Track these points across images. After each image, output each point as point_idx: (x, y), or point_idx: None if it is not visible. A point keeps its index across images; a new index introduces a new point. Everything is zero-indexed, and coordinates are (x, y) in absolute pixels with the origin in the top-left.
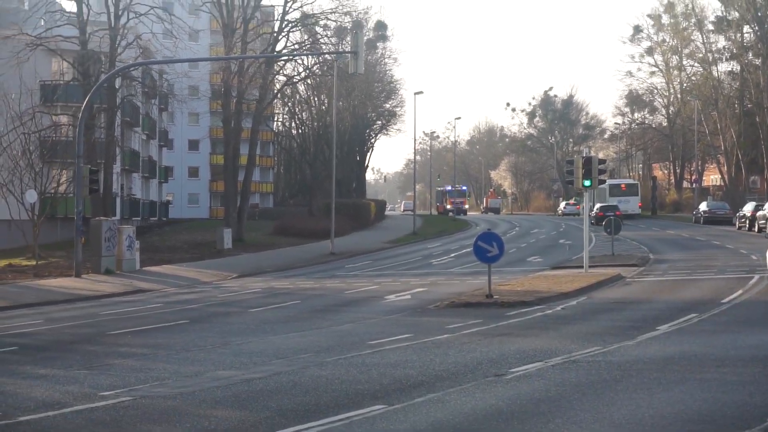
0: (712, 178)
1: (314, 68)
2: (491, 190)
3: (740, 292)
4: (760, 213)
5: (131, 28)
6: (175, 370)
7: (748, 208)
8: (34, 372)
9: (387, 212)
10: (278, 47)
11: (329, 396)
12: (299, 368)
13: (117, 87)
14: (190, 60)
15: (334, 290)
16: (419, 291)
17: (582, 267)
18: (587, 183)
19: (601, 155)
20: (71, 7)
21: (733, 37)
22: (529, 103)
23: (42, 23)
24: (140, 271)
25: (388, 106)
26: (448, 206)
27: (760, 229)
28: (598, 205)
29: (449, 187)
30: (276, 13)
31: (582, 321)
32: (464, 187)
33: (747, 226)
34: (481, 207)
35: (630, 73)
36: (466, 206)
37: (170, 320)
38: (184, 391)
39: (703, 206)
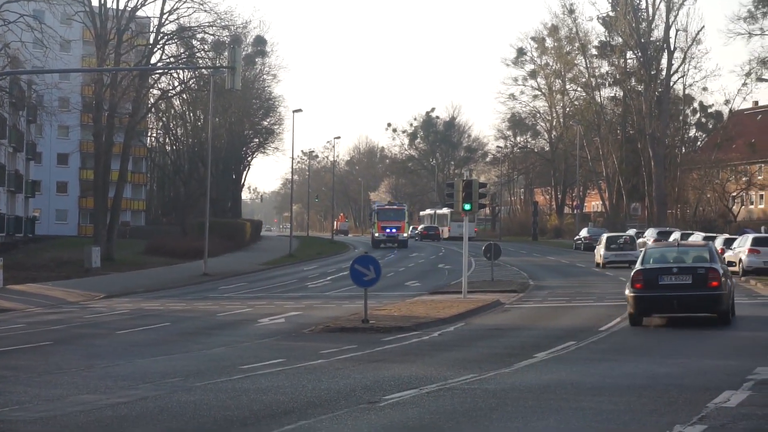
0: (594, 204)
1: (190, 83)
2: (341, 213)
3: (618, 320)
4: (640, 240)
5: None
6: (36, 394)
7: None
8: None
9: (263, 233)
10: (153, 60)
11: (196, 422)
12: (166, 393)
13: None
14: (60, 71)
15: (206, 312)
16: (294, 314)
17: (461, 292)
18: (467, 207)
19: (482, 179)
20: None
21: (616, 63)
22: (411, 124)
23: None
24: (3, 289)
25: (266, 123)
26: (376, 233)
27: None
28: (421, 226)
29: (378, 205)
30: (151, 25)
31: (459, 347)
32: (403, 205)
33: None
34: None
35: (513, 96)
36: (405, 234)
37: (33, 341)
38: (45, 415)
39: (584, 232)
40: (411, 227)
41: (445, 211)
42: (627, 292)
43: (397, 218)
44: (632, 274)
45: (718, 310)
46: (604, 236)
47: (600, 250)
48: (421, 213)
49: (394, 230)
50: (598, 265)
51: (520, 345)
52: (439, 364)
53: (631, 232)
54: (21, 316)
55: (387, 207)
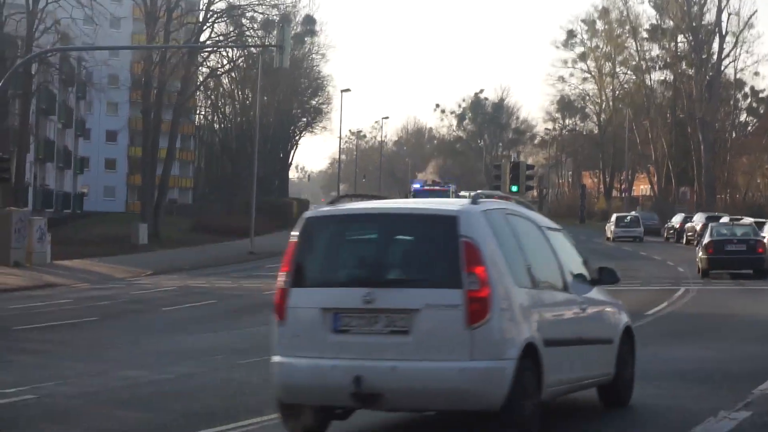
0: (642, 188)
1: (239, 61)
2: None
3: (665, 304)
4: (688, 225)
5: (50, 13)
6: (81, 369)
7: (676, 220)
8: None
9: None
10: (202, 38)
11: (238, 400)
12: (209, 370)
13: (33, 73)
14: (110, 48)
15: (252, 291)
16: None
17: None
18: (514, 188)
19: (530, 161)
20: None
21: (667, 46)
22: (459, 105)
23: None
24: (51, 264)
25: (314, 102)
26: None
27: (688, 241)
28: None
29: (418, 185)
30: (201, 3)
31: None
32: (450, 186)
33: (675, 237)
34: None
35: (562, 79)
36: None
37: (79, 317)
38: (88, 390)
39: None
40: None
41: (497, 194)
42: (701, 255)
43: None
44: (704, 243)
45: (763, 268)
46: (614, 216)
47: (611, 227)
48: (460, 194)
49: None
50: (608, 239)
51: None
52: None
53: (678, 217)
54: (68, 291)
55: (428, 188)
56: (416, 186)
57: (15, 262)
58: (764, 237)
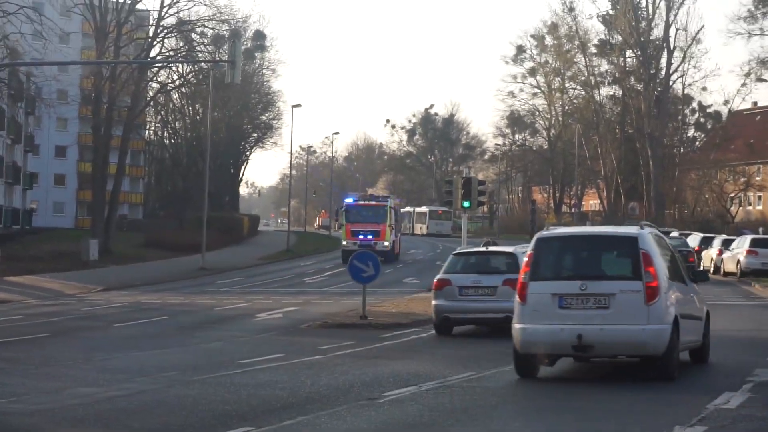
0: (591, 203)
1: (189, 76)
2: (323, 210)
3: None
4: None
5: None
6: (33, 386)
7: None
8: None
9: (261, 228)
10: (152, 53)
11: (195, 416)
12: (164, 386)
13: None
14: (59, 63)
15: (203, 307)
16: (291, 310)
17: None
18: (466, 204)
19: (480, 176)
20: None
21: (616, 62)
22: (410, 121)
23: None
24: (0, 281)
25: (264, 118)
26: (344, 241)
27: None
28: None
29: (351, 199)
30: (151, 18)
31: (457, 345)
32: (388, 200)
33: None
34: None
35: (512, 94)
36: (386, 242)
37: (30, 333)
38: (42, 407)
39: None
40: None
41: (423, 209)
42: None
43: (375, 219)
44: None
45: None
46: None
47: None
48: (401, 210)
49: (369, 237)
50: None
51: None
52: (437, 361)
53: None
54: (18, 307)
55: (361, 203)
56: (348, 201)
57: None
58: (694, 248)
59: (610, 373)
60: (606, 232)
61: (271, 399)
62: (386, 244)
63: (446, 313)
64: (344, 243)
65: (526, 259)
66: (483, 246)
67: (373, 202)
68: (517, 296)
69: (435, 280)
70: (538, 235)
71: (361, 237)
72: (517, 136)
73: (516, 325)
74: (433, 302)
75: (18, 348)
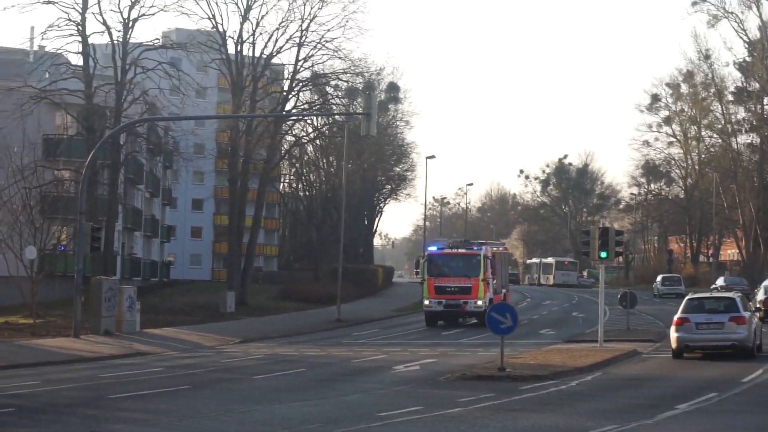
0: (730, 252)
1: (323, 129)
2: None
3: (760, 371)
4: None
5: (138, 83)
6: None
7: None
8: None
9: (394, 279)
10: (287, 107)
11: None
12: None
13: (121, 143)
14: (197, 117)
15: (340, 358)
16: (429, 362)
17: (596, 341)
18: (603, 254)
19: (616, 226)
20: (77, 60)
21: (753, 109)
22: (543, 171)
23: (47, 76)
24: (140, 332)
25: (398, 169)
26: (427, 300)
27: None
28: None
29: (435, 247)
30: (286, 72)
31: (598, 397)
32: (482, 248)
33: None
34: None
35: (647, 143)
36: (479, 302)
37: (171, 385)
38: None
39: (720, 281)
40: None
41: (550, 260)
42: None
43: (466, 272)
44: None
45: None
46: (660, 276)
47: (657, 286)
48: (528, 262)
49: (457, 294)
50: (655, 295)
51: (661, 396)
52: (579, 414)
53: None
54: (158, 359)
55: (447, 251)
56: (432, 249)
57: (105, 330)
58: None
59: (753, 425)
60: None
61: None
62: (479, 303)
63: (687, 342)
64: (426, 303)
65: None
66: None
67: (463, 251)
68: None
69: (676, 318)
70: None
71: (449, 294)
72: (652, 186)
73: (672, 335)
74: (675, 334)
75: (161, 400)
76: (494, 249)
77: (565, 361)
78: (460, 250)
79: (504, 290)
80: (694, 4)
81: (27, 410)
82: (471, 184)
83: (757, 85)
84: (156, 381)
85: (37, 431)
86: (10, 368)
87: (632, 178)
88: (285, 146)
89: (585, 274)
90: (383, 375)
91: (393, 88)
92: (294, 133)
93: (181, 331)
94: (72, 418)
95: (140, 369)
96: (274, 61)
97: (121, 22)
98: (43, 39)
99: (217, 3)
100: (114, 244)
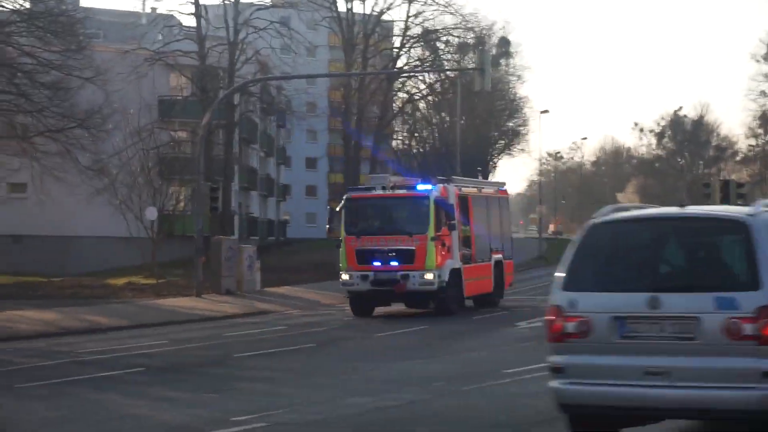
0: None
1: (435, 85)
2: (556, 218)
3: None
4: None
5: (250, 43)
6: (305, 396)
7: None
8: (163, 394)
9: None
10: (399, 63)
11: (470, 427)
12: (434, 397)
13: (235, 103)
14: (309, 76)
15: (461, 314)
16: None
17: None
18: None
19: (734, 178)
20: (190, 22)
21: None
22: (658, 123)
23: (160, 38)
24: (261, 291)
25: (511, 124)
26: (345, 273)
27: None
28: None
29: (352, 194)
30: (397, 29)
31: None
32: (418, 189)
33: None
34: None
35: (764, 93)
36: (426, 274)
37: (296, 344)
38: (317, 417)
39: None
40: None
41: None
42: None
43: (405, 226)
44: None
45: None
46: None
47: None
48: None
49: (391, 262)
50: None
51: None
52: None
53: None
54: (280, 318)
55: (374, 194)
56: (348, 196)
57: (226, 290)
58: None
59: None
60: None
61: (545, 410)
62: (428, 276)
63: None
64: (344, 277)
65: None
66: None
67: (401, 192)
68: None
69: None
70: None
71: (376, 264)
72: None
73: None
74: None
75: (286, 358)
76: (471, 189)
77: None
78: (396, 192)
79: (499, 256)
80: None
81: (157, 369)
82: (585, 138)
83: None
84: (280, 339)
85: (167, 390)
86: (136, 328)
87: (749, 129)
88: (398, 103)
89: None
90: (506, 331)
91: (504, 42)
92: (406, 90)
93: (300, 290)
94: (201, 377)
95: (263, 327)
96: (385, 17)
97: None
98: (156, 1)
99: None
100: (231, 203)
